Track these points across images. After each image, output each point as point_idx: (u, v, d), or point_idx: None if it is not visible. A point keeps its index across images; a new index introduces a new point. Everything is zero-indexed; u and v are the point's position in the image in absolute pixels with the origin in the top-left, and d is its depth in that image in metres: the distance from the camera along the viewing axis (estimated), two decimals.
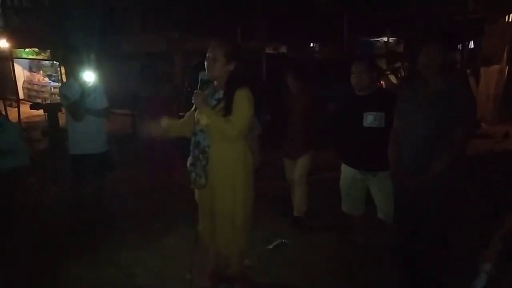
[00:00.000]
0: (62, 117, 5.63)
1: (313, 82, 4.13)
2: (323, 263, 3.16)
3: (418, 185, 2.31)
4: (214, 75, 2.36)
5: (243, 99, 2.33)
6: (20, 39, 10.51)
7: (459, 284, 2.01)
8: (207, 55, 2.37)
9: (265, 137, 5.63)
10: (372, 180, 3.05)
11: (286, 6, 9.24)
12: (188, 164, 2.50)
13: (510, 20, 8.48)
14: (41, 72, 14.86)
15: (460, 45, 9.49)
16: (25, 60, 14.36)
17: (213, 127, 2.36)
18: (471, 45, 11.10)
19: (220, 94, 2.40)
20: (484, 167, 5.16)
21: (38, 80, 14.51)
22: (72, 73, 3.77)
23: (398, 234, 2.64)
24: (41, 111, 7.43)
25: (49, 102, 11.53)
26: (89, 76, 3.60)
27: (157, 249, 3.39)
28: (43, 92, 13.79)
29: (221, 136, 2.37)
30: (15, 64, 11.01)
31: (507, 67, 8.52)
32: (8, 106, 9.42)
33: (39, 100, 12.86)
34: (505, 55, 8.49)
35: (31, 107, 7.60)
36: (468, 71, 9.51)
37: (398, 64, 10.90)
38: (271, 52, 10.50)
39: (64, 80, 9.66)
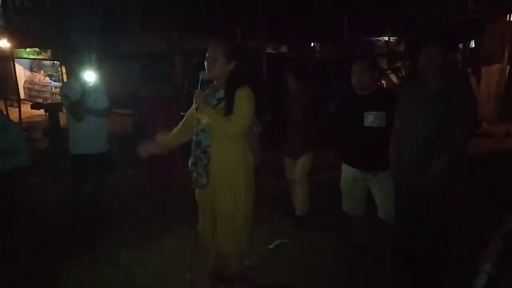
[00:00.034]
0: (63, 117, 5.64)
1: (314, 82, 4.13)
2: (323, 263, 3.15)
3: (418, 185, 2.31)
4: (214, 75, 2.36)
5: (244, 98, 2.33)
6: (21, 39, 10.53)
7: (459, 284, 2.01)
8: (207, 55, 2.37)
9: (265, 137, 5.62)
10: (373, 180, 3.05)
11: (286, 6, 9.23)
12: (189, 164, 2.50)
13: (510, 19, 8.47)
14: (42, 72, 14.88)
15: (461, 44, 9.49)
16: (26, 60, 14.39)
17: (214, 126, 2.36)
18: (472, 44, 11.09)
19: (221, 93, 2.40)
20: (485, 167, 5.15)
21: (39, 80, 14.53)
22: (73, 73, 3.77)
23: (398, 234, 2.64)
24: (42, 111, 7.44)
25: (50, 102, 11.54)
26: (89, 76, 3.60)
27: (157, 249, 3.39)
28: (44, 92, 13.81)
29: (222, 135, 2.37)
30: (16, 64, 11.02)
31: (508, 67, 8.52)
32: (9, 106, 9.43)
33: (40, 100, 12.89)
34: (506, 55, 8.49)
35: (32, 107, 7.60)
36: (469, 70, 9.51)
37: (399, 64, 10.89)
38: (272, 52, 10.51)
39: (65, 80, 9.67)
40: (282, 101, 3.90)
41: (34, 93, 14.18)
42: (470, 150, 2.42)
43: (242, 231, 2.53)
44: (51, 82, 13.96)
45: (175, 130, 2.62)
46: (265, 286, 2.90)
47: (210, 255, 2.80)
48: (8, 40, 9.24)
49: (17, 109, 8.90)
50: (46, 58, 13.73)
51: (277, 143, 4.07)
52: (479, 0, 8.88)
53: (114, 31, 9.70)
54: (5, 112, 5.42)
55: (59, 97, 4.24)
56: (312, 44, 12.89)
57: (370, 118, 2.91)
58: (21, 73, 13.99)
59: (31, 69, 15.16)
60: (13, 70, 10.08)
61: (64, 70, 10.60)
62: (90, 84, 3.61)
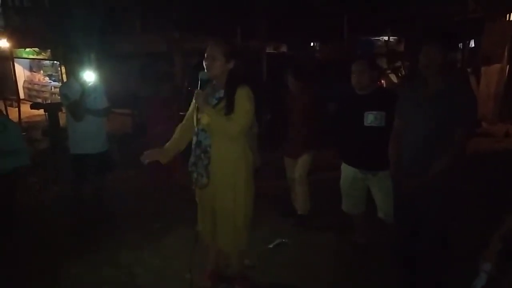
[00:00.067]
0: (62, 117, 5.62)
1: (314, 82, 4.12)
2: (323, 263, 3.16)
3: (418, 185, 2.31)
4: (214, 74, 2.36)
5: (243, 97, 2.33)
6: (21, 39, 10.51)
7: (459, 284, 2.01)
8: (205, 54, 2.36)
9: (265, 137, 5.62)
10: (373, 180, 3.05)
11: (286, 6, 9.23)
12: (189, 164, 2.50)
13: (510, 19, 8.48)
14: (42, 71, 14.87)
15: (461, 44, 9.49)
16: (25, 59, 14.37)
17: (214, 126, 2.36)
18: (472, 44, 11.09)
19: (221, 93, 2.40)
20: (485, 167, 5.15)
21: (39, 79, 14.52)
22: (72, 73, 3.77)
23: (397, 234, 2.64)
24: (41, 111, 7.42)
25: (49, 101, 11.54)
26: (89, 76, 3.60)
27: (157, 249, 3.39)
28: (43, 91, 13.80)
29: (222, 135, 2.37)
30: (15, 64, 11.02)
31: (507, 66, 8.52)
32: (9, 106, 9.40)
33: (39, 100, 12.88)
34: (505, 54, 8.50)
35: (32, 107, 7.59)
36: (469, 70, 9.52)
37: (398, 63, 10.88)
38: (272, 51, 10.50)
39: (65, 79, 9.66)
40: (282, 101, 3.90)
41: (34, 93, 14.18)
42: (469, 150, 2.42)
43: (242, 230, 2.53)
44: (50, 82, 13.95)
45: (176, 135, 2.59)
46: (265, 286, 2.91)
47: (210, 255, 2.80)
48: (7, 40, 9.24)
49: (17, 109, 8.89)
50: (46, 58, 13.71)
51: (277, 143, 4.07)
52: (479, 0, 8.88)
53: (114, 31, 9.69)
54: (4, 112, 5.41)
55: (59, 97, 4.24)
56: (312, 44, 12.88)
57: (370, 118, 2.91)
58: (21, 73, 13.98)
59: (30, 69, 15.15)
60: (12, 70, 10.07)
61: (63, 70, 10.58)
62: (89, 84, 3.61)
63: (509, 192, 3.66)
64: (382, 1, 9.94)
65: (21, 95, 11.83)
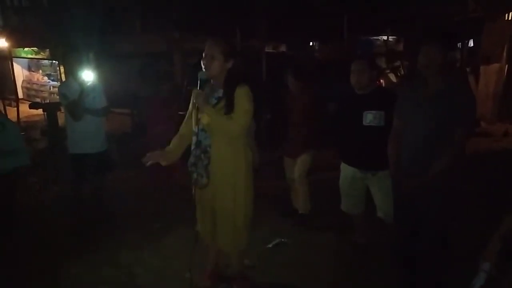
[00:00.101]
0: (61, 117, 5.61)
1: (313, 82, 4.13)
2: (323, 263, 3.16)
3: (418, 185, 2.31)
4: (213, 73, 2.35)
5: (243, 97, 2.33)
6: (19, 38, 10.50)
7: (459, 284, 2.01)
8: (204, 53, 2.35)
9: (265, 137, 5.62)
10: (372, 179, 3.06)
11: (286, 5, 9.23)
12: (189, 165, 2.50)
13: (509, 18, 8.49)
14: (40, 71, 14.87)
15: (460, 43, 9.50)
16: (24, 59, 14.36)
17: (215, 126, 2.35)
18: (471, 43, 11.11)
19: (219, 92, 2.39)
20: (484, 166, 5.16)
21: (37, 79, 14.51)
22: (71, 73, 3.76)
23: (397, 234, 2.64)
24: (40, 111, 7.41)
25: (48, 101, 11.53)
26: (88, 76, 3.59)
27: (157, 249, 3.39)
28: (42, 91, 13.80)
29: (222, 134, 2.37)
30: (14, 64, 11.00)
31: (506, 66, 8.54)
32: (7, 105, 9.39)
33: (38, 100, 12.87)
34: (504, 54, 8.52)
35: (30, 107, 7.57)
36: (468, 69, 9.53)
37: (397, 63, 10.89)
38: (271, 51, 10.49)
39: (63, 79, 9.64)
40: (281, 101, 3.90)
41: (32, 92, 14.16)
42: (469, 149, 2.42)
43: (242, 230, 2.53)
44: (49, 82, 13.95)
45: (177, 137, 2.59)
46: (265, 286, 2.91)
47: (209, 255, 2.80)
48: (6, 40, 9.21)
49: (15, 108, 8.87)
50: (44, 57, 13.68)
51: (277, 143, 4.07)
52: (479, 0, 8.89)
53: (114, 31, 9.68)
54: (3, 112, 5.39)
55: (57, 97, 4.22)
56: (311, 44, 12.89)
57: (369, 117, 2.91)
58: (19, 72, 13.97)
59: (29, 69, 15.14)
60: (11, 70, 10.06)
61: (62, 70, 10.57)
62: (88, 84, 3.60)
63: (508, 192, 3.67)
64: (382, 1, 9.94)
65: (20, 95, 11.81)
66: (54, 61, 12.98)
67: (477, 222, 3.23)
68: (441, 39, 2.29)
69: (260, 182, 2.71)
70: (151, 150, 2.52)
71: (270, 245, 3.40)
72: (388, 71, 10.30)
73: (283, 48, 12.21)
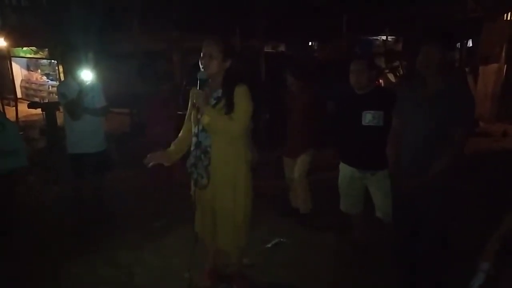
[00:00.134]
0: (60, 116, 5.61)
1: (313, 82, 4.13)
2: (322, 262, 3.16)
3: (418, 185, 2.31)
4: (211, 73, 2.34)
5: (242, 96, 2.33)
6: (18, 38, 10.47)
7: (459, 284, 2.01)
8: (202, 53, 2.34)
9: (264, 137, 5.61)
10: (371, 179, 3.06)
11: (286, 5, 9.22)
12: (188, 165, 2.49)
13: (508, 18, 8.51)
14: (39, 71, 14.82)
15: (459, 44, 9.51)
16: (23, 59, 14.30)
17: (215, 126, 2.35)
18: (470, 43, 11.12)
19: (218, 92, 2.39)
20: (484, 166, 5.17)
21: (36, 79, 14.46)
22: (70, 72, 3.75)
23: (396, 234, 2.64)
24: (39, 110, 7.40)
25: (47, 101, 11.50)
26: (87, 75, 3.59)
27: (157, 249, 3.39)
28: (41, 91, 13.75)
29: (222, 134, 2.37)
30: (13, 63, 10.97)
31: (505, 66, 8.55)
32: (6, 105, 9.38)
33: (37, 99, 12.82)
34: (503, 54, 8.53)
35: (29, 106, 7.57)
36: (467, 69, 9.54)
37: (396, 63, 10.89)
38: (270, 51, 10.49)
39: (62, 78, 9.62)
40: (281, 101, 3.90)
41: (31, 92, 14.11)
42: (468, 149, 2.43)
43: (242, 230, 2.53)
44: (48, 81, 13.90)
45: (178, 138, 2.60)
46: (264, 285, 2.91)
47: (209, 254, 2.80)
48: (5, 39, 9.19)
49: (14, 108, 8.87)
50: (43, 57, 13.67)
51: (276, 143, 4.07)
52: (478, 0, 8.91)
53: (113, 30, 9.66)
54: (1, 111, 5.39)
55: (56, 96, 4.22)
56: (310, 44, 12.88)
57: (368, 117, 2.91)
58: (18, 72, 13.93)
59: (28, 68, 15.08)
60: (10, 69, 10.04)
61: (61, 69, 10.55)
62: (87, 83, 3.59)
63: (508, 192, 3.67)
64: (381, 1, 9.94)
65: (19, 94, 11.81)
66: (53, 61, 12.96)
67: (477, 222, 3.23)
68: (440, 39, 2.30)
69: (259, 182, 2.71)
70: (151, 150, 2.52)
71: (269, 245, 3.40)
72: (387, 71, 10.30)
73: (282, 48, 12.20)
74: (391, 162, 2.53)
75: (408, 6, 9.59)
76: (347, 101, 3.13)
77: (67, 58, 3.79)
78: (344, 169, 3.18)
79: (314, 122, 3.67)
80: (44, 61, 14.25)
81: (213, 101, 2.38)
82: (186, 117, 2.58)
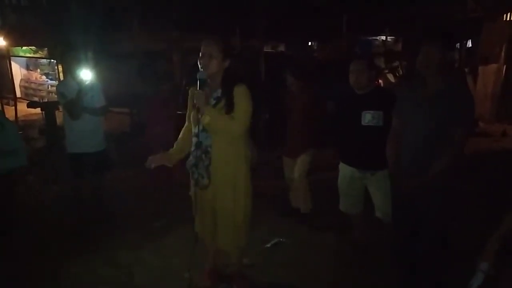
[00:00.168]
0: (59, 116, 5.61)
1: (313, 82, 4.13)
2: (322, 262, 3.16)
3: (418, 185, 2.31)
4: (211, 72, 2.34)
5: (242, 95, 2.33)
6: (18, 37, 10.46)
7: (459, 284, 2.01)
8: (201, 53, 2.34)
9: (264, 137, 5.61)
10: (371, 179, 3.06)
11: (286, 5, 9.22)
12: (189, 166, 2.49)
13: (508, 19, 8.51)
14: (38, 70, 14.82)
15: (458, 44, 9.52)
16: (22, 58, 14.30)
17: (216, 126, 2.34)
18: (469, 44, 11.13)
19: (218, 92, 2.39)
20: (484, 166, 5.18)
21: (36, 78, 14.45)
22: (69, 71, 3.75)
23: (396, 234, 2.64)
24: (38, 110, 7.37)
25: (46, 100, 11.48)
26: (86, 74, 3.59)
27: (157, 249, 3.39)
28: (40, 90, 13.75)
29: (223, 134, 2.37)
30: (12, 62, 10.95)
31: (504, 66, 8.56)
32: (5, 104, 9.38)
33: (36, 99, 12.80)
34: (503, 54, 8.53)
35: (28, 106, 7.55)
36: (466, 69, 9.55)
37: (396, 63, 10.90)
38: (270, 50, 10.49)
39: (62, 78, 9.61)
40: (280, 101, 3.90)
41: (31, 91, 14.11)
42: (468, 149, 2.43)
43: (242, 229, 2.53)
44: (47, 81, 13.91)
45: (180, 139, 2.60)
46: (264, 285, 2.91)
47: (209, 254, 2.80)
48: (4, 38, 9.18)
49: (13, 107, 8.86)
50: (43, 56, 13.67)
51: (275, 143, 4.06)
52: (478, 0, 8.91)
53: (113, 30, 9.66)
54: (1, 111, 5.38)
55: (56, 96, 4.21)
56: (310, 44, 12.88)
57: (368, 117, 2.92)
58: (17, 71, 13.93)
59: (27, 68, 15.08)
60: (9, 69, 10.03)
61: (60, 69, 10.54)
62: (86, 83, 3.59)
63: (508, 192, 3.68)
64: (381, 1, 9.95)
65: (18, 94, 11.80)
66: (52, 60, 12.96)
67: (477, 222, 3.24)
68: (440, 39, 2.30)
69: (259, 181, 2.71)
70: (151, 150, 2.52)
71: (268, 245, 3.40)
72: (386, 71, 10.31)
73: (281, 48, 12.20)
74: (391, 162, 2.53)
75: (408, 6, 9.60)
76: (346, 101, 3.13)
77: (66, 58, 3.79)
78: (344, 169, 3.18)
79: (314, 122, 3.67)
80: (44, 60, 14.25)
81: (213, 101, 2.38)
82: (186, 117, 2.58)
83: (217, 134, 2.37)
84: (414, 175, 2.32)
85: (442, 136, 2.26)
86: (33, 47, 13.18)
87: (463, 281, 1.86)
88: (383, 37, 11.85)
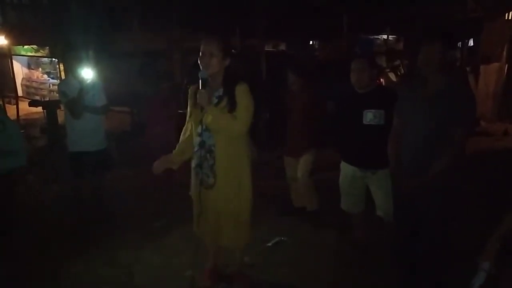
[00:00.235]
0: (60, 114, 5.61)
1: (314, 81, 4.12)
2: (322, 262, 3.16)
3: (418, 185, 2.31)
4: (212, 71, 2.33)
5: (243, 94, 2.34)
6: (19, 36, 10.46)
7: (459, 284, 2.01)
8: (201, 52, 2.33)
9: (264, 136, 5.60)
10: (372, 178, 3.06)
11: (286, 5, 9.21)
12: (193, 166, 2.49)
13: (509, 18, 8.49)
14: (40, 69, 14.83)
15: (460, 43, 9.50)
16: (23, 57, 14.31)
17: (219, 125, 2.34)
18: (471, 43, 11.11)
19: (219, 91, 2.38)
20: (484, 166, 5.16)
21: (37, 77, 14.47)
22: (70, 70, 3.75)
23: (397, 234, 2.64)
24: (39, 108, 7.40)
25: (47, 99, 11.49)
26: (87, 73, 3.59)
27: (157, 248, 3.39)
28: (41, 89, 13.76)
29: (226, 133, 2.37)
30: (13, 61, 10.96)
31: (506, 65, 8.53)
32: (7, 103, 9.38)
33: (37, 97, 12.81)
34: (504, 53, 8.51)
35: (30, 104, 7.57)
36: (468, 69, 9.53)
37: (397, 62, 10.89)
38: (271, 50, 10.47)
39: (63, 77, 9.62)
40: (281, 100, 3.89)
41: (32, 90, 14.12)
42: (468, 149, 2.42)
43: (246, 225, 2.55)
44: (49, 80, 13.92)
45: (181, 140, 2.58)
46: (264, 284, 2.91)
47: (209, 254, 2.80)
48: (5, 37, 9.18)
49: (15, 106, 8.87)
50: (44, 55, 13.67)
51: (276, 142, 4.06)
52: (479, 0, 8.89)
53: (114, 29, 9.66)
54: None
55: (57, 95, 4.22)
56: (310, 43, 12.87)
57: (369, 116, 2.91)
58: (19, 70, 13.94)
59: (28, 67, 15.10)
60: (10, 67, 10.03)
61: (62, 68, 10.54)
62: (88, 82, 3.59)
63: (508, 192, 3.67)
64: (382, 1, 9.93)
65: (19, 93, 11.78)
66: (53, 59, 12.96)
67: (477, 222, 3.22)
68: (441, 38, 2.29)
69: (259, 181, 2.70)
70: (151, 149, 2.52)
71: (269, 244, 3.40)
72: (388, 70, 10.29)
73: (282, 47, 12.18)
74: (392, 162, 2.52)
75: (408, 6, 9.58)
76: (348, 100, 3.13)
77: (67, 57, 3.79)
78: (346, 168, 3.18)
79: (314, 121, 3.67)
80: (45, 59, 14.26)
81: (215, 100, 2.38)
82: (187, 117, 2.58)
83: (219, 133, 2.38)
84: (414, 175, 2.32)
85: (442, 136, 2.26)
86: (34, 46, 13.19)
87: (463, 281, 1.86)
88: (385, 36, 11.83)
